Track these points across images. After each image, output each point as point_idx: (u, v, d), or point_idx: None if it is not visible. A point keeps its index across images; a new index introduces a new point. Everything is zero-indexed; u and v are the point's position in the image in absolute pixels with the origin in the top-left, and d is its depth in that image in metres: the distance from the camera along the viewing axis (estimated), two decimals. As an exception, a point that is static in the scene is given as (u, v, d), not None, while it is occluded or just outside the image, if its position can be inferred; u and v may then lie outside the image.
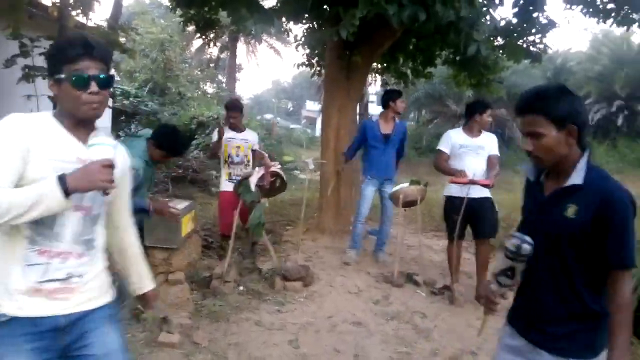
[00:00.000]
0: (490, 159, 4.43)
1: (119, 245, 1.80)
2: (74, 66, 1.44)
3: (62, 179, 1.35)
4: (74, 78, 1.43)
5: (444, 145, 4.55)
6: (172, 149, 3.40)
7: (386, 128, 5.23)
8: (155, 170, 3.69)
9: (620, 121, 21.92)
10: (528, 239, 1.57)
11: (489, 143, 4.49)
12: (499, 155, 4.52)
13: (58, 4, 7.96)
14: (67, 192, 1.35)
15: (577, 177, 1.56)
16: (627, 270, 1.52)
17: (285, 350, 3.31)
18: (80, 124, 1.51)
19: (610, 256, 1.51)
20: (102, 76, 1.46)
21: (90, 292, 1.58)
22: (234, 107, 4.98)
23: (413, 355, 3.35)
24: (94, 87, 1.44)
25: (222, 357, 3.14)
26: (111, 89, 1.56)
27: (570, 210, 1.55)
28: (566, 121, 1.53)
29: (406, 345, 3.47)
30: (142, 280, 1.86)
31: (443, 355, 3.39)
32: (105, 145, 1.44)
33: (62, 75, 1.44)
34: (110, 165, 1.41)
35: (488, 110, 4.48)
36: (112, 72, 1.57)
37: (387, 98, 5.24)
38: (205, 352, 3.18)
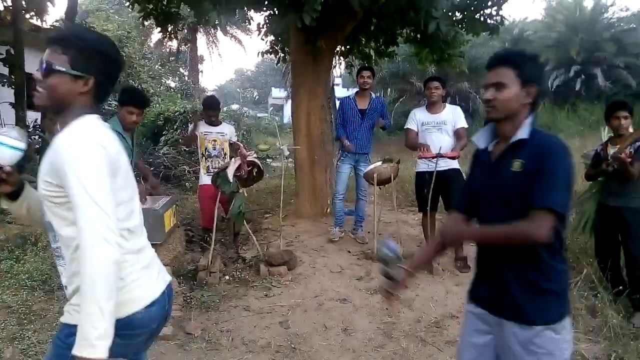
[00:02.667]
0: (457, 132, 4.65)
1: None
2: None
3: None
4: None
5: (410, 124, 4.83)
6: (125, 96, 3.74)
7: (362, 104, 5.40)
8: (131, 145, 3.81)
9: (578, 86, 22.56)
10: (391, 245, 1.87)
11: (451, 117, 4.69)
12: (466, 126, 4.72)
13: (10, 8, 7.75)
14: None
15: (523, 133, 1.64)
16: (547, 212, 1.51)
17: (277, 331, 3.43)
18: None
19: (538, 197, 1.53)
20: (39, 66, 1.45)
21: (67, 305, 1.48)
22: (213, 106, 5.07)
23: (398, 324, 3.53)
24: (35, 75, 1.46)
25: (215, 344, 3.24)
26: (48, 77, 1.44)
27: (517, 165, 1.61)
28: (530, 81, 1.64)
29: (391, 316, 3.64)
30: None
31: (426, 321, 3.58)
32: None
33: None
34: None
35: (432, 82, 4.67)
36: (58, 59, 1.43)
37: (356, 74, 5.47)
38: (199, 341, 3.28)
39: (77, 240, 1.33)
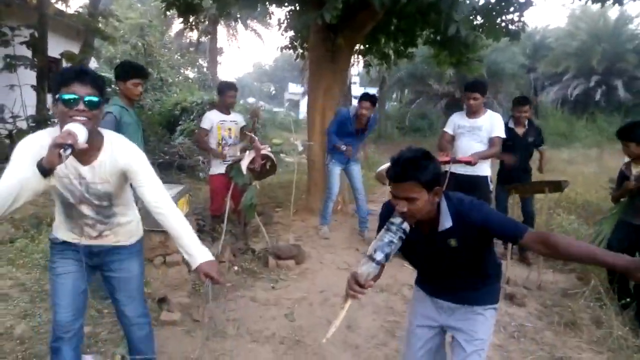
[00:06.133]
0: (492, 140, 4.56)
1: (166, 227, 2.09)
2: (66, 89, 1.79)
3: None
4: (64, 97, 1.78)
5: (447, 127, 4.84)
6: (128, 70, 3.53)
7: (360, 124, 5.44)
8: (137, 118, 3.66)
9: (598, 96, 22.29)
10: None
11: (488, 124, 4.56)
12: (502, 136, 4.58)
13: (37, -8, 7.89)
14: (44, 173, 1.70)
15: (446, 222, 1.87)
16: (525, 234, 1.76)
17: (282, 323, 3.48)
18: None
19: (510, 236, 1.82)
20: (87, 98, 1.80)
21: (121, 236, 2.21)
22: (230, 86, 5.13)
23: (402, 323, 3.55)
24: (80, 106, 1.79)
25: (221, 332, 3.29)
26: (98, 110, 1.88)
27: (453, 242, 1.89)
28: (434, 185, 1.79)
29: (395, 315, 3.67)
30: (191, 257, 2.06)
31: (430, 322, 3.60)
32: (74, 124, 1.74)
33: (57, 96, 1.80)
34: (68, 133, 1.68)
35: (471, 93, 4.59)
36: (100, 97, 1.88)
37: (358, 101, 5.43)
38: (205, 328, 3.34)
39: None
